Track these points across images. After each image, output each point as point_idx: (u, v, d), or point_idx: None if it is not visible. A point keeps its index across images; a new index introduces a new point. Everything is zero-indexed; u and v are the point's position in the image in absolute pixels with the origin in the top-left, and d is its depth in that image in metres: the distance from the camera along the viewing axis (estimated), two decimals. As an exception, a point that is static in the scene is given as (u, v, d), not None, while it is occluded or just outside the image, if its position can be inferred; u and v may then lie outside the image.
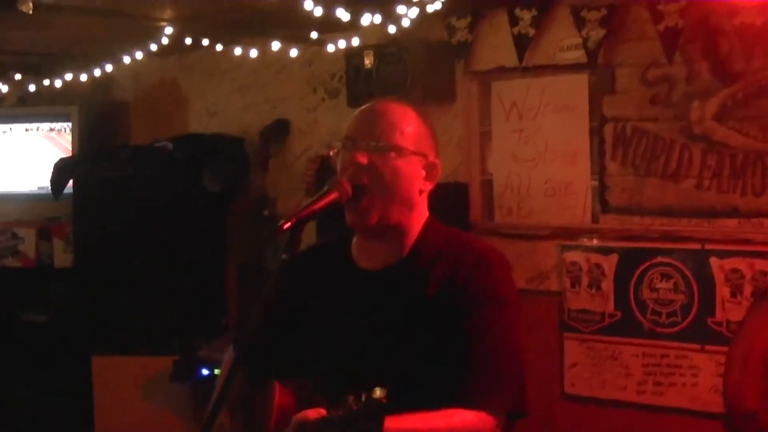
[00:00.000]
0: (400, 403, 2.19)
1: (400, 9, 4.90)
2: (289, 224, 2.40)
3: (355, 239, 2.72)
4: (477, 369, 2.46)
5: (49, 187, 6.35)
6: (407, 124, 2.58)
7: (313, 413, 2.27)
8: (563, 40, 4.91)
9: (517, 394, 2.51)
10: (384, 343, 2.55)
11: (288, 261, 2.41)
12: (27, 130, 7.13)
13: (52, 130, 7.08)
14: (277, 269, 2.45)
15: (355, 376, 2.50)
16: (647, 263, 4.69)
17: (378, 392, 2.07)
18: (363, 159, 2.52)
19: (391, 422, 2.15)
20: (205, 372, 5.52)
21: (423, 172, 2.60)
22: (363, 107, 2.66)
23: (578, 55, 4.83)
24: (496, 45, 5.14)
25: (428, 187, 2.63)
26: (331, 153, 2.66)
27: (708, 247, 4.51)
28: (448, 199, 4.84)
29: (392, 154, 2.53)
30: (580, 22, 4.72)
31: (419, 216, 2.64)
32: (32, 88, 6.90)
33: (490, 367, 2.47)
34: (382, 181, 2.52)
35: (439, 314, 2.51)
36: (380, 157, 2.53)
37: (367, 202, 2.52)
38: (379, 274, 2.63)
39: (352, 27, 5.31)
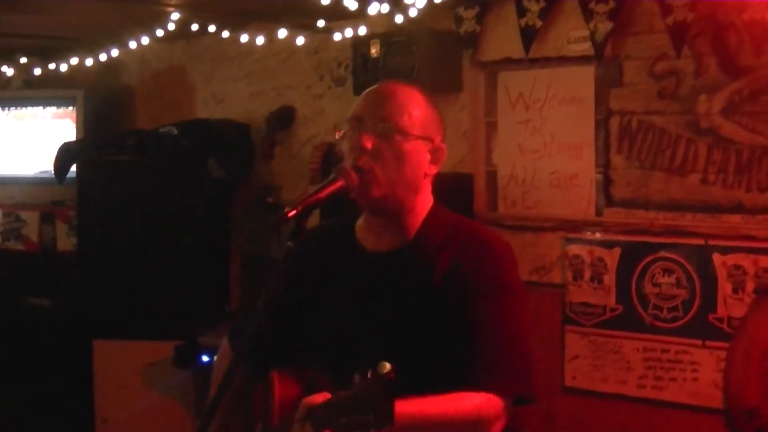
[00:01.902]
0: (406, 388, 2.19)
1: (408, -2, 4.91)
2: (294, 212, 2.40)
3: (360, 221, 2.73)
4: (484, 353, 2.48)
5: (53, 171, 6.34)
6: (414, 107, 2.59)
7: (321, 397, 2.26)
8: (571, 32, 4.89)
9: (524, 378, 2.53)
10: (390, 328, 2.55)
11: (294, 249, 2.41)
12: (32, 113, 7.13)
13: (57, 113, 7.08)
14: (283, 257, 2.44)
15: (360, 362, 2.51)
16: (650, 257, 4.69)
17: (385, 367, 2.04)
18: (368, 143, 2.53)
19: (398, 406, 2.15)
20: (206, 358, 5.53)
21: (429, 156, 2.61)
22: (371, 88, 2.68)
23: (585, 48, 4.81)
24: (503, 36, 5.12)
25: (433, 170, 2.64)
26: (338, 135, 2.66)
27: (711, 242, 4.50)
28: (453, 190, 4.83)
29: (398, 137, 2.54)
30: (588, 14, 4.70)
31: (424, 200, 2.66)
32: (38, 71, 6.90)
33: (497, 351, 2.49)
34: (387, 164, 2.53)
35: (445, 301, 2.53)
36: (386, 140, 2.54)
37: (371, 177, 2.53)
38: (385, 258, 2.64)
39: (360, 15, 5.32)
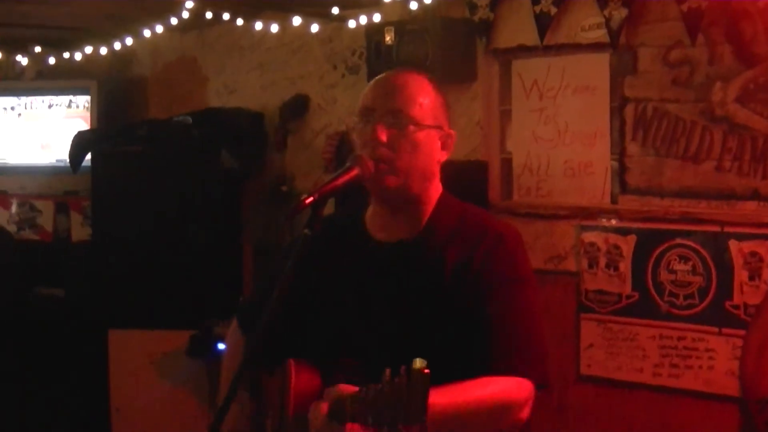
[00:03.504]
0: None
1: (422, -14, 4.90)
2: (311, 199, 2.41)
3: (370, 210, 2.74)
4: (503, 342, 2.50)
5: (68, 161, 6.35)
6: (425, 97, 2.62)
7: (347, 389, 2.26)
8: (585, 20, 4.88)
9: (541, 366, 2.56)
10: (402, 319, 2.56)
11: (310, 237, 2.41)
12: (46, 103, 7.14)
13: (71, 103, 7.08)
14: (299, 245, 2.44)
15: (374, 353, 2.51)
16: (666, 245, 4.67)
17: (419, 363, 2.02)
18: (383, 136, 2.55)
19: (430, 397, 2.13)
20: (221, 347, 5.54)
21: (439, 143, 2.64)
22: (379, 78, 2.69)
23: (600, 35, 4.80)
24: (517, 23, 5.11)
25: (444, 157, 2.68)
26: (348, 125, 2.67)
27: (727, 229, 4.49)
28: (468, 178, 4.83)
29: (411, 127, 2.56)
30: (602, 2, 4.68)
31: (436, 187, 2.69)
32: (52, 61, 6.91)
33: (515, 340, 2.52)
34: (403, 155, 2.56)
35: (458, 292, 2.55)
36: (400, 131, 2.56)
37: (389, 167, 2.56)
38: (396, 248, 2.66)
39: (374, 3, 5.31)
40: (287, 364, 2.63)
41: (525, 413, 2.49)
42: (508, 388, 2.44)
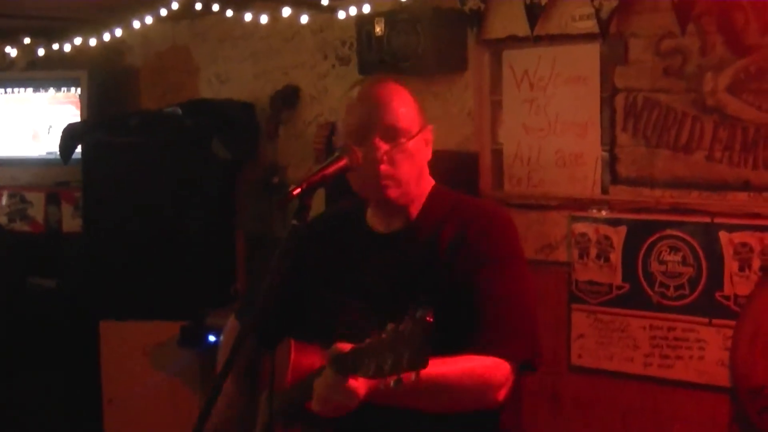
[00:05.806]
0: None
1: (413, -24, 4.89)
2: (299, 190, 2.45)
3: (370, 209, 2.83)
4: (492, 318, 2.55)
5: (58, 152, 6.33)
6: (406, 105, 2.72)
7: (347, 345, 2.26)
8: (576, 10, 4.87)
9: (530, 344, 2.61)
10: (401, 298, 2.57)
11: (298, 227, 2.43)
12: (36, 94, 7.11)
13: (61, 93, 7.06)
14: (287, 235, 2.46)
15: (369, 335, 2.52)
16: (656, 235, 4.68)
17: (420, 312, 2.03)
18: (382, 151, 2.64)
19: None
20: (212, 338, 5.54)
21: (425, 143, 2.75)
22: (362, 95, 2.74)
23: (590, 25, 4.79)
24: (508, 13, 5.10)
25: (430, 153, 2.78)
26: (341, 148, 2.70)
27: (717, 220, 4.50)
28: (458, 168, 4.84)
29: (403, 139, 2.66)
30: (593, -8, 4.70)
31: (427, 181, 2.80)
32: (42, 52, 6.89)
33: (504, 317, 2.57)
34: (401, 167, 2.66)
35: (452, 270, 2.62)
36: (395, 145, 2.65)
37: (390, 181, 2.66)
38: (390, 236, 2.76)
39: (364, -7, 5.30)
40: (287, 342, 2.71)
41: (501, 394, 2.54)
42: (487, 367, 2.49)
